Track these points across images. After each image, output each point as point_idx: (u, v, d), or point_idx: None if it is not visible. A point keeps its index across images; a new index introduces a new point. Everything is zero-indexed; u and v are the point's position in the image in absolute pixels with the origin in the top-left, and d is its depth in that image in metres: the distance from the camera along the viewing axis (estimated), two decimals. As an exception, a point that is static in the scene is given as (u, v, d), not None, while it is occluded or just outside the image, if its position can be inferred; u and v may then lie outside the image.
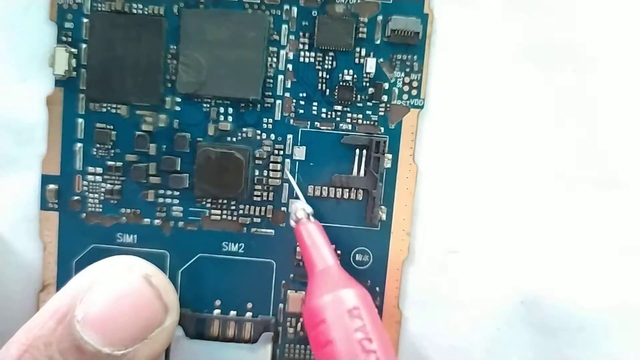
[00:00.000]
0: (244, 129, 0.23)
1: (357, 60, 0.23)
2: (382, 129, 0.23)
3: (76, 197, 0.23)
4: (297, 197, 0.23)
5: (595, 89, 0.23)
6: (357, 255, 0.24)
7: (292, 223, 0.22)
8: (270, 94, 0.23)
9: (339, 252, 0.24)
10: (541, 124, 0.23)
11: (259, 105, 0.23)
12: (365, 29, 0.23)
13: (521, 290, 0.24)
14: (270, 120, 0.23)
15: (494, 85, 0.23)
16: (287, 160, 0.23)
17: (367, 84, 0.23)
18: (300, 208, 0.22)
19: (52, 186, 0.23)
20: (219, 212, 0.24)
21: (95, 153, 0.23)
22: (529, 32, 0.23)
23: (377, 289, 0.24)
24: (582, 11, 0.23)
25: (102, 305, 0.20)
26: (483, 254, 0.24)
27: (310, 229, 0.22)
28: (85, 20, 0.23)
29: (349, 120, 0.23)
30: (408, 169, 0.24)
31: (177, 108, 0.23)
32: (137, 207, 0.23)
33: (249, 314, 0.24)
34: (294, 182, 0.23)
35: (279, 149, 0.23)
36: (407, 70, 0.23)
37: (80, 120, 0.23)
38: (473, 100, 0.23)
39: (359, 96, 0.23)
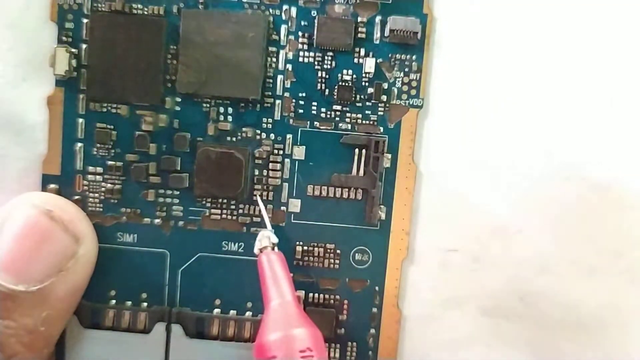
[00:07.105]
0: (244, 129, 0.23)
1: (356, 60, 0.23)
2: (382, 129, 0.23)
3: (77, 197, 0.23)
4: (265, 226, 0.23)
5: (596, 89, 0.23)
6: (356, 254, 0.24)
7: (256, 251, 0.22)
8: (269, 93, 0.23)
9: (338, 251, 0.24)
10: (540, 124, 0.24)
11: (258, 105, 0.23)
12: (364, 29, 0.23)
13: (520, 287, 0.24)
14: (270, 120, 0.23)
15: (493, 85, 0.23)
16: (258, 196, 0.23)
17: (367, 84, 0.23)
18: (266, 237, 0.22)
19: (52, 186, 0.23)
20: (218, 211, 0.24)
21: (95, 153, 0.23)
22: (529, 31, 0.23)
23: (377, 288, 0.24)
24: (582, 10, 0.23)
25: (8, 247, 0.21)
26: (483, 253, 0.24)
27: (273, 260, 0.22)
28: (85, 20, 0.23)
29: (348, 120, 0.23)
30: (407, 168, 0.24)
31: (177, 108, 0.23)
32: (138, 207, 0.23)
33: (248, 313, 0.24)
34: (263, 210, 0.23)
35: (278, 149, 0.23)
36: (406, 70, 0.23)
37: (81, 120, 0.23)
38: (472, 100, 0.23)
39: (358, 96, 0.23)
